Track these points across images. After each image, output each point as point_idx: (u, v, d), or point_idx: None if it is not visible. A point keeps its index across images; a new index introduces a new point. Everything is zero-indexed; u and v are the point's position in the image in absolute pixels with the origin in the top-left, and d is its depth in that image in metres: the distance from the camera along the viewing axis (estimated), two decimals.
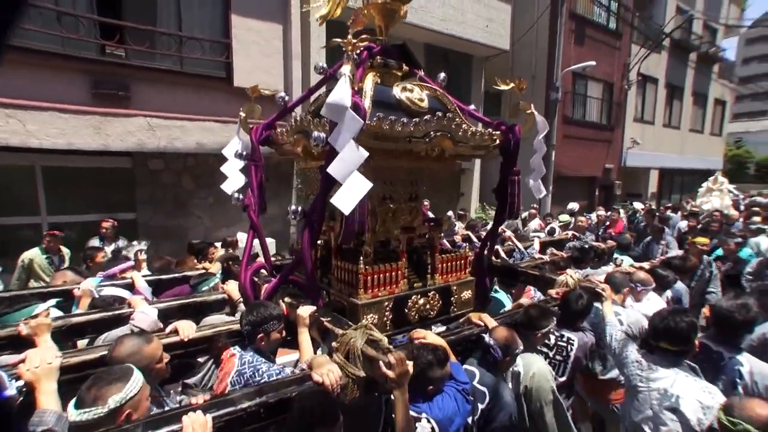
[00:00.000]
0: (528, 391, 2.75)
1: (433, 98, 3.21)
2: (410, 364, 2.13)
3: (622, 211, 11.10)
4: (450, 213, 8.64)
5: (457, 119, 3.00)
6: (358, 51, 2.76)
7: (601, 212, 10.45)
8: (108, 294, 3.26)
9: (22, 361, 2.03)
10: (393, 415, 2.32)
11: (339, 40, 2.70)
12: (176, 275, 4.04)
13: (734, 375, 2.78)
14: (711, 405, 2.38)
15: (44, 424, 1.80)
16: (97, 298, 3.21)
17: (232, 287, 3.33)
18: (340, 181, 2.39)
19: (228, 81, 7.97)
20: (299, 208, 2.83)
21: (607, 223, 9.26)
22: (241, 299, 3.23)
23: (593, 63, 13.02)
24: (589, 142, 16.17)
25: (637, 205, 13.36)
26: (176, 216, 8.21)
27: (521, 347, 2.70)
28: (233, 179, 3.45)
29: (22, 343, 2.43)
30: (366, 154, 2.36)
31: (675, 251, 6.71)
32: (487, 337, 2.68)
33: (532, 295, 3.92)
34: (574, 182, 15.69)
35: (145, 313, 2.85)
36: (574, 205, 10.59)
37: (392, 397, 2.22)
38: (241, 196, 3.37)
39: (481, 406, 2.47)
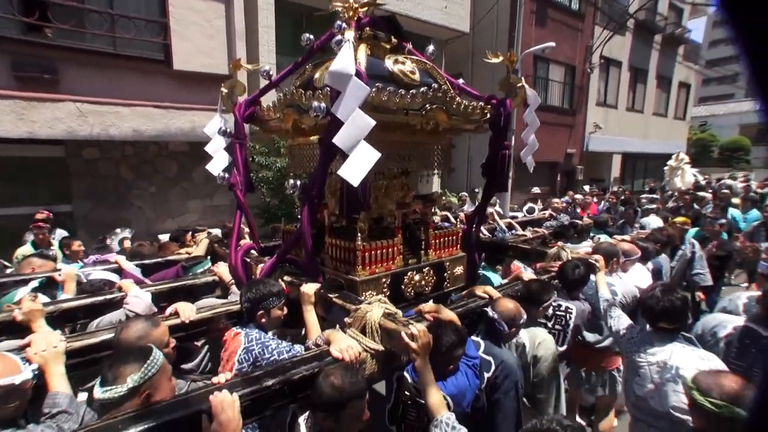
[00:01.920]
0: (535, 361, 3.02)
1: (424, 71, 3.40)
2: (431, 336, 2.30)
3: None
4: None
5: (451, 92, 3.21)
6: (357, 17, 2.90)
7: (578, 196, 11.31)
8: (96, 278, 3.33)
9: (28, 345, 2.14)
10: (406, 392, 2.51)
11: (339, 4, 2.84)
12: (159, 260, 4.15)
13: None
14: None
15: (58, 406, 1.95)
16: (86, 282, 3.28)
17: (223, 269, 3.45)
18: (347, 151, 2.50)
19: (167, 64, 7.90)
20: (297, 182, 2.96)
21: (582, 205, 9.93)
22: (233, 281, 3.35)
23: (553, 44, 13.20)
24: (551, 126, 16.63)
25: (587, 188, 14.14)
26: (116, 208, 8.18)
27: (525, 317, 2.94)
28: (219, 159, 3.53)
29: (16, 329, 2.52)
30: (373, 122, 2.47)
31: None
32: (490, 311, 2.90)
33: (522, 271, 4.19)
34: (535, 167, 16.10)
35: (138, 297, 2.95)
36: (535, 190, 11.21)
37: (403, 373, 2.41)
38: (226, 175, 3.47)
39: (487, 375, 2.69)
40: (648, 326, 2.98)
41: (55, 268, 3.49)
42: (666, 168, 13.85)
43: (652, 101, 23.19)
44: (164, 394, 1.91)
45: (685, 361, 2.65)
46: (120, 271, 3.62)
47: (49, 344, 2.14)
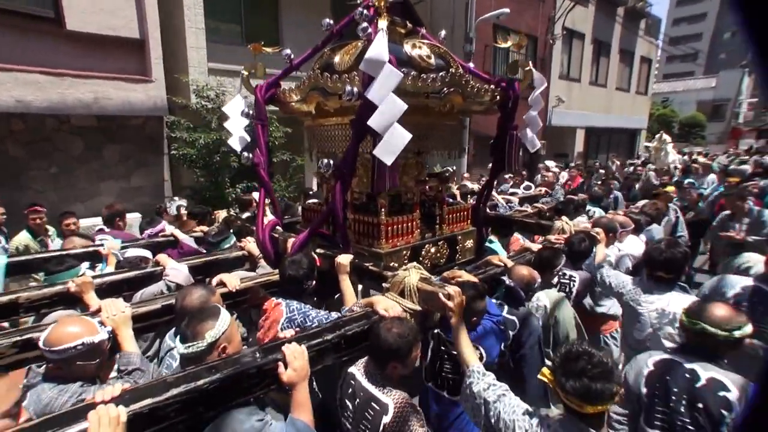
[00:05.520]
0: (556, 321, 3.39)
1: (438, 55, 3.64)
2: (464, 296, 2.61)
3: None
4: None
5: (466, 76, 3.46)
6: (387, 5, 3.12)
7: (564, 173, 11.77)
8: (132, 255, 3.58)
9: (98, 310, 2.45)
10: (442, 347, 2.83)
11: None
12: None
13: None
14: None
15: (132, 364, 2.28)
16: (123, 260, 3.54)
17: (252, 245, 3.69)
18: (381, 133, 2.74)
19: (58, 23, 7.03)
20: (330, 162, 3.19)
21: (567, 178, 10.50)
22: (261, 256, 3.59)
23: (506, 10, 12.52)
24: None
25: (549, 163, 14.61)
26: (6, 190, 7.15)
27: (539, 281, 3.29)
28: (238, 137, 3.73)
29: (71, 300, 2.86)
30: (405, 106, 2.71)
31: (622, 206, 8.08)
32: (507, 281, 3.24)
33: (521, 243, 4.55)
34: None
35: (176, 269, 3.21)
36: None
37: (439, 331, 2.71)
38: (250, 155, 3.67)
39: (512, 333, 3.06)
40: (647, 277, 3.39)
41: (92, 244, 3.72)
42: (650, 147, 14.35)
43: (615, 75, 23.59)
44: (236, 346, 2.20)
45: (681, 306, 2.96)
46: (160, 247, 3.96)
47: (118, 310, 2.45)
